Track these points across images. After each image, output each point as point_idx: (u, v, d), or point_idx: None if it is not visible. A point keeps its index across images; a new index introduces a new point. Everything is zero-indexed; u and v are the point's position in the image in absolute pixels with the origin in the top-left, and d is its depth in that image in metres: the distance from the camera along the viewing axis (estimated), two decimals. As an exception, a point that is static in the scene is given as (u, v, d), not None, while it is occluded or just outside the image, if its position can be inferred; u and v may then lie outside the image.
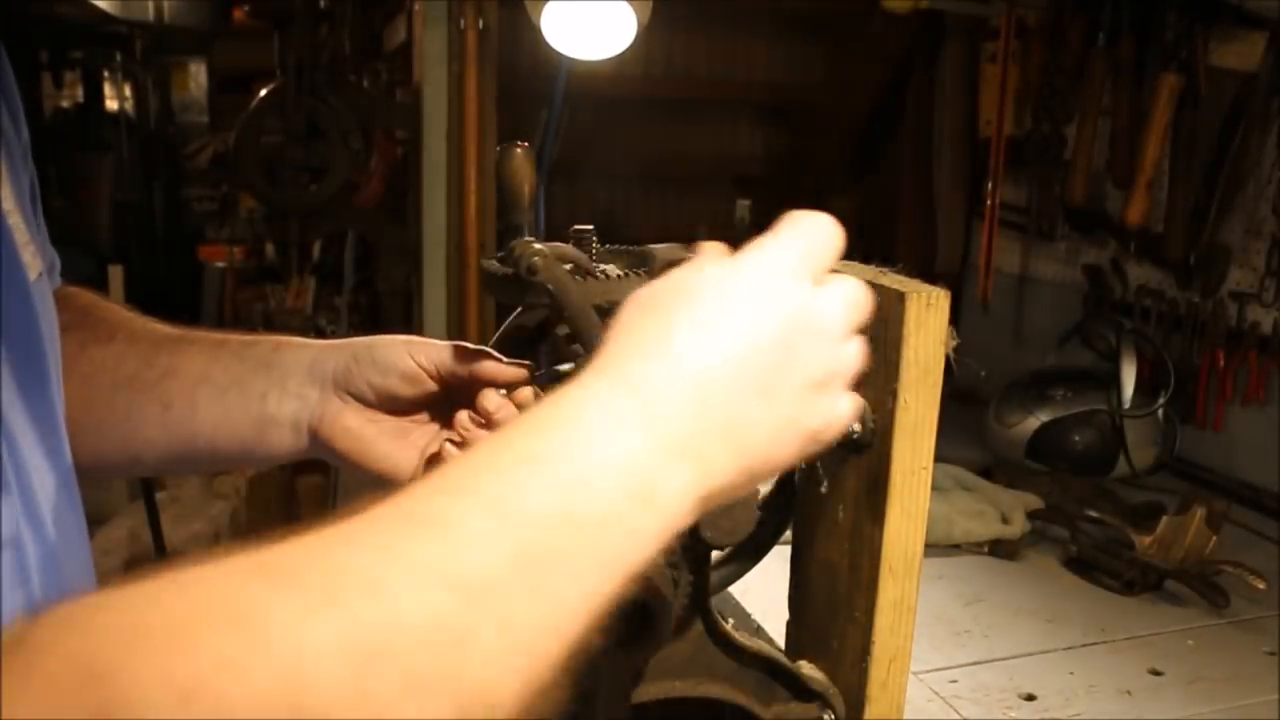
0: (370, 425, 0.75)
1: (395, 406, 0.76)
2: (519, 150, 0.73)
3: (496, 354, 0.74)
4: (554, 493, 0.42)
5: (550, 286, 0.67)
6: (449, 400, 0.76)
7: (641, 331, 0.51)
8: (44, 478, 0.58)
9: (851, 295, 0.57)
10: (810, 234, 0.58)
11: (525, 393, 0.74)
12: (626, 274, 0.73)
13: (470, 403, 0.74)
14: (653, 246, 0.73)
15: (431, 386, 0.75)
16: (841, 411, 0.56)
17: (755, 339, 0.51)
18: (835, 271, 0.59)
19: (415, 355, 0.74)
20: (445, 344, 0.75)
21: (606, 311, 0.72)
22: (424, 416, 0.77)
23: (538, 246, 0.69)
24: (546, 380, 0.76)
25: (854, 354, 0.57)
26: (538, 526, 0.41)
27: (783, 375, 0.52)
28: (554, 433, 0.45)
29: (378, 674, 0.35)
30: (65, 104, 6.26)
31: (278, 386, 0.74)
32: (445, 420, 0.77)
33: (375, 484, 0.75)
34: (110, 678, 0.32)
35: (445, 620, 0.37)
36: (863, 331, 0.60)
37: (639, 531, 0.44)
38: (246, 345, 0.78)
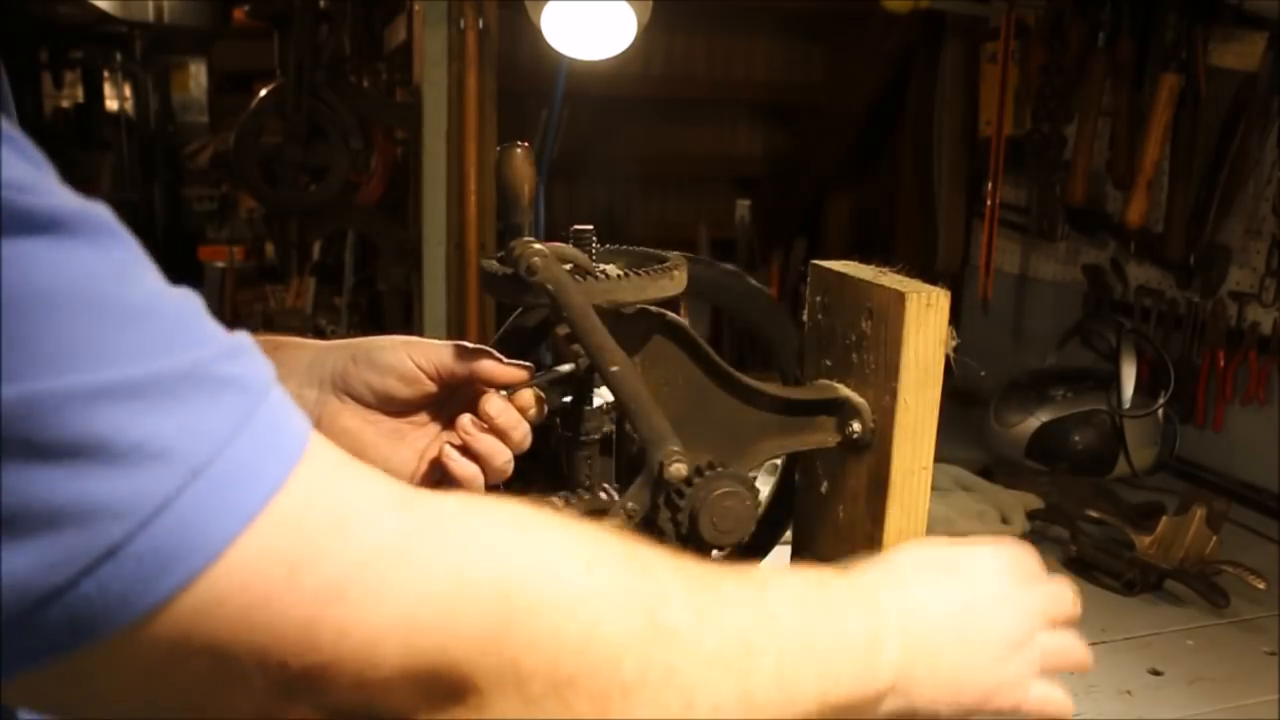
0: (369, 426, 0.75)
1: (394, 408, 0.75)
2: (519, 150, 0.73)
3: (496, 353, 0.74)
4: (824, 614, 0.57)
5: (550, 286, 0.67)
6: (449, 402, 0.76)
7: (900, 573, 0.64)
8: None
9: (1057, 592, 0.70)
10: (1022, 554, 0.71)
11: (526, 395, 0.74)
12: (626, 274, 0.73)
13: (471, 405, 0.74)
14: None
15: (430, 388, 0.75)
16: (1033, 690, 0.66)
17: (968, 598, 0.64)
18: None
19: (414, 356, 0.74)
20: (444, 344, 0.75)
21: (606, 312, 0.72)
22: (423, 418, 0.77)
23: (537, 246, 0.69)
24: (546, 380, 0.76)
25: (1052, 642, 0.67)
26: (813, 619, 0.56)
27: (984, 626, 0.64)
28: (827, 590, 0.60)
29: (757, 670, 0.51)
30: (65, 104, 6.26)
31: None
32: (445, 422, 0.77)
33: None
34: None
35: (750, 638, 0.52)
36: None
37: (859, 664, 0.57)
38: None
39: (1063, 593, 0.69)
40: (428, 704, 0.42)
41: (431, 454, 0.76)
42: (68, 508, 0.34)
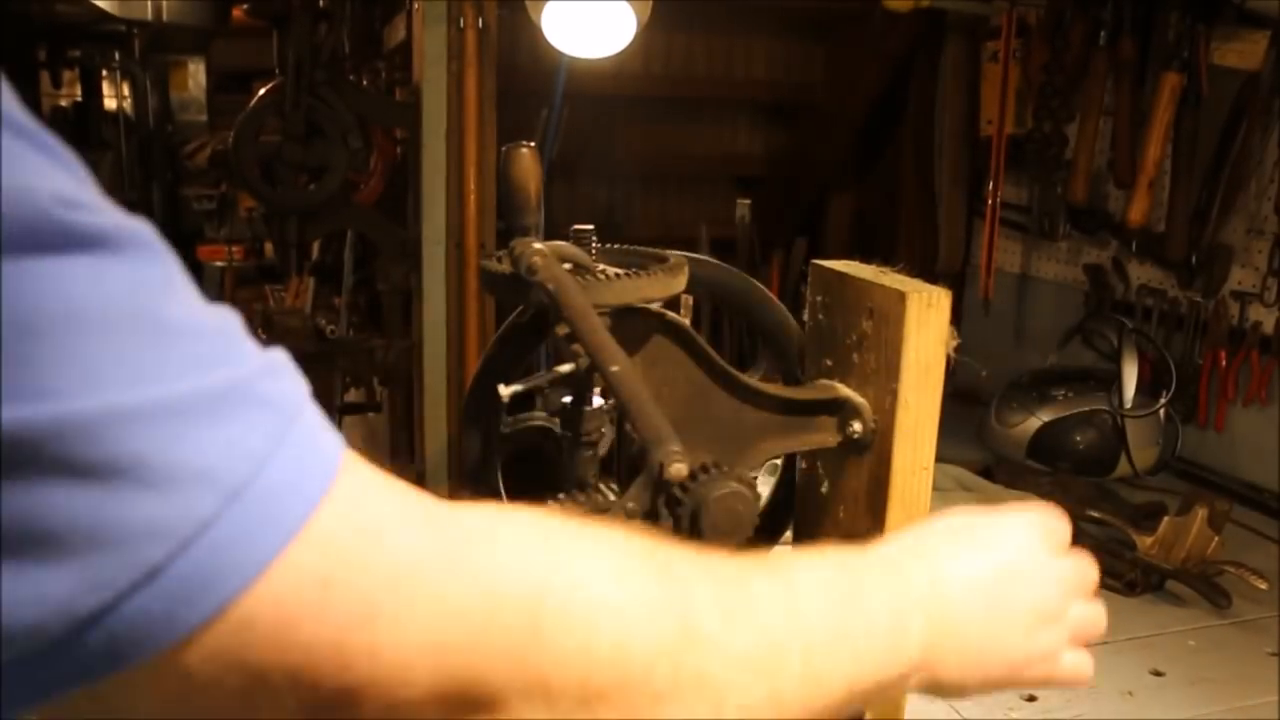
0: None
1: None
2: (526, 150, 0.72)
3: None
4: (851, 594, 0.57)
5: (550, 286, 0.67)
6: None
7: (925, 542, 0.64)
8: None
9: (1083, 565, 0.68)
10: (1049, 520, 0.68)
11: None
12: (627, 274, 0.72)
13: None
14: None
15: None
16: (1064, 659, 0.65)
17: (995, 566, 0.63)
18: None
19: None
20: None
21: (606, 312, 0.72)
22: None
23: (538, 246, 0.69)
24: (546, 380, 0.75)
25: (1082, 612, 0.67)
26: (839, 606, 0.56)
27: (1012, 598, 0.63)
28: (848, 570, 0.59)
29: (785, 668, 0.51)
30: (63, 103, 6.25)
31: None
32: None
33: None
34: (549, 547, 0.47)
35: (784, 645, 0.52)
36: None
37: (887, 647, 0.57)
38: None
39: (1089, 562, 0.69)
40: None
41: None
42: (107, 529, 0.34)
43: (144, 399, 0.34)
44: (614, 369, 0.67)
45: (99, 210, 0.36)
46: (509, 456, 0.85)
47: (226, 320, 0.40)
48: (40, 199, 0.34)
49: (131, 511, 0.34)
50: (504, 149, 0.73)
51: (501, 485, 0.85)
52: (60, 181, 0.35)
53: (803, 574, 0.56)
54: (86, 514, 0.33)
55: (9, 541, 0.33)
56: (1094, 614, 0.67)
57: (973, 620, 0.61)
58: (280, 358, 0.41)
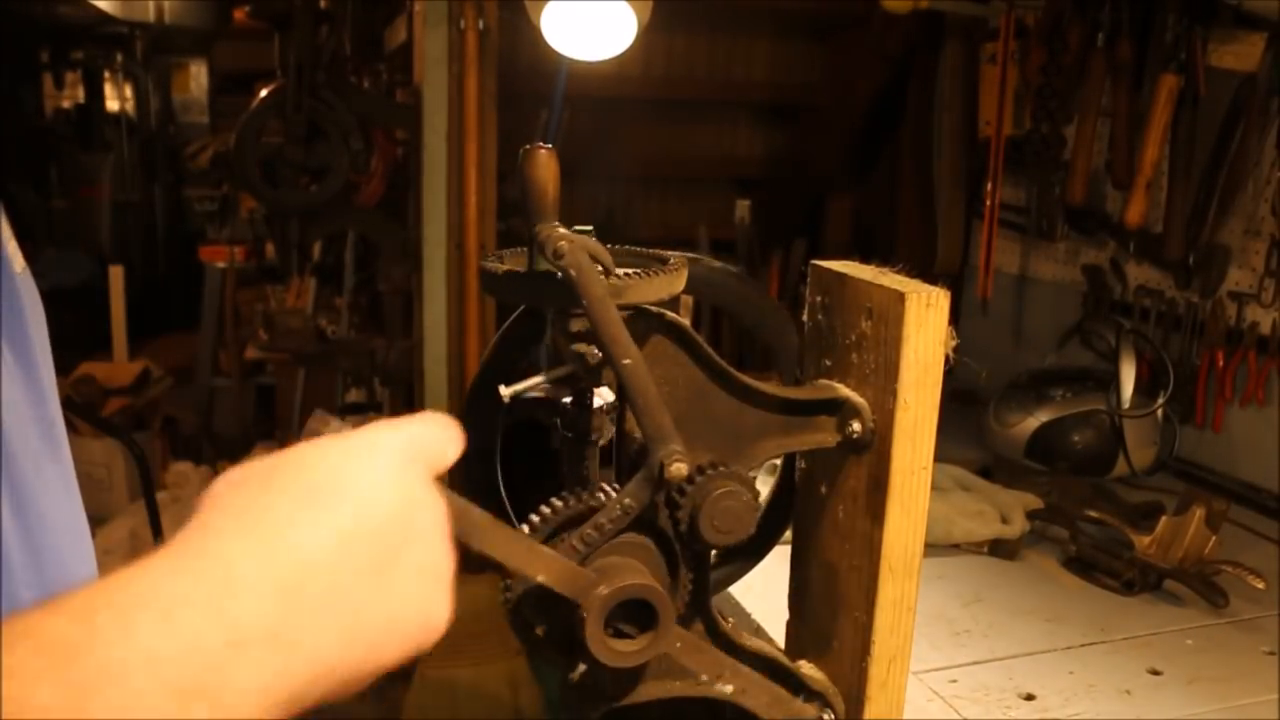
0: None
1: None
2: (544, 151, 0.72)
3: None
4: (67, 691, 0.35)
5: (573, 272, 0.67)
6: None
7: (234, 507, 0.46)
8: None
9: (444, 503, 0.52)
10: (428, 429, 0.53)
11: None
12: (633, 274, 0.73)
13: None
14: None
15: None
16: (440, 611, 0.50)
17: (371, 516, 0.47)
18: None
19: None
20: None
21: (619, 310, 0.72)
22: None
23: (564, 231, 0.69)
24: (546, 380, 0.76)
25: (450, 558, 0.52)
26: None
27: (399, 557, 0.48)
28: (95, 616, 0.38)
29: None
30: (66, 104, 6.27)
31: None
32: None
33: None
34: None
35: None
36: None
37: None
38: None
39: (441, 435, 0.53)
40: None
41: None
42: None
43: None
44: (626, 362, 0.67)
45: None
46: (507, 428, 0.84)
47: None
48: None
49: None
50: (521, 150, 0.73)
51: (503, 488, 0.86)
52: None
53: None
54: None
55: None
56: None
57: (329, 624, 0.44)
58: None
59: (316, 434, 0.52)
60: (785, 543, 0.92)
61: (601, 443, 0.79)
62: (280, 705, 0.42)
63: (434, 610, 0.49)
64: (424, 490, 0.50)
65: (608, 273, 0.71)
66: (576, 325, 0.72)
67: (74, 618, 0.37)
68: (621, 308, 0.72)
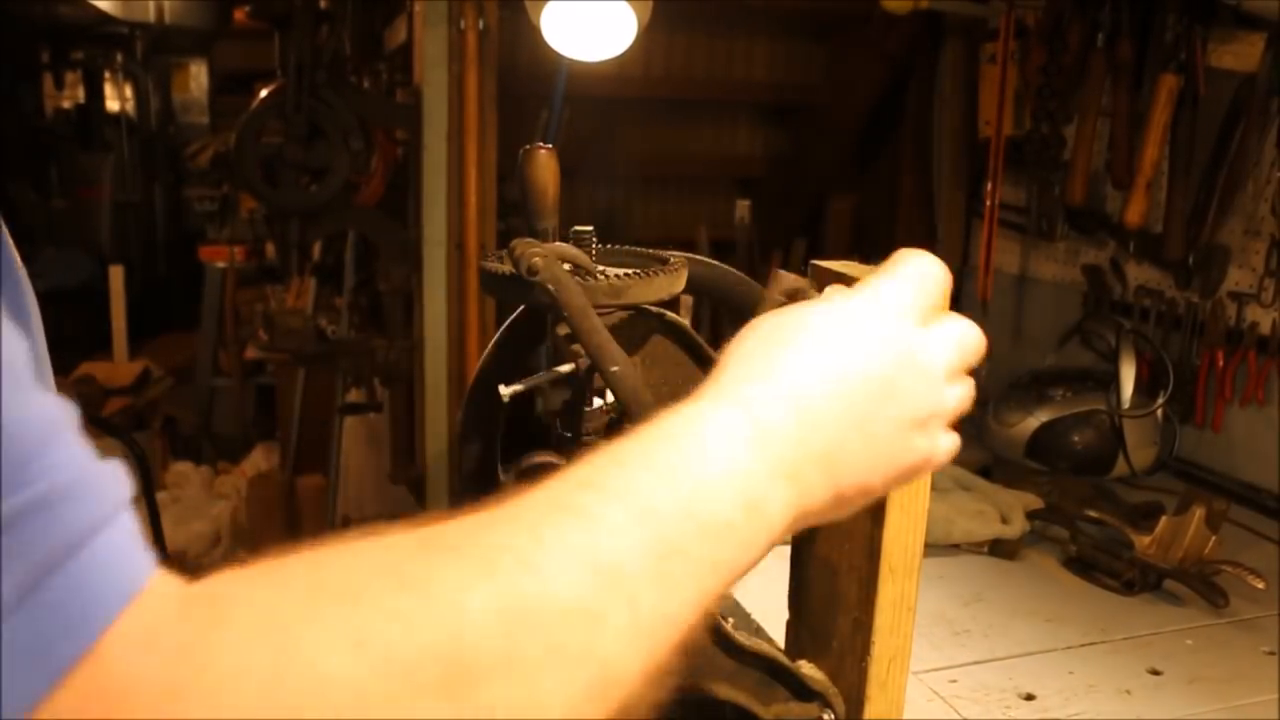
0: None
1: None
2: (544, 151, 0.72)
3: None
4: (677, 496, 0.46)
5: (550, 286, 0.68)
6: None
7: (754, 358, 0.54)
8: None
9: (963, 337, 0.61)
10: (921, 273, 0.60)
11: None
12: (628, 274, 0.73)
13: None
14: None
15: None
16: (941, 450, 0.59)
17: (860, 375, 0.54)
18: (949, 312, 0.62)
19: None
20: None
21: (607, 312, 0.73)
22: None
23: (536, 246, 0.69)
24: (546, 380, 0.76)
25: (959, 395, 0.60)
26: (665, 524, 0.45)
27: (883, 411, 0.55)
28: (671, 444, 0.48)
29: (527, 641, 0.39)
30: (66, 104, 6.27)
31: None
32: None
33: (377, 488, 0.74)
34: (290, 627, 0.36)
35: (586, 599, 0.42)
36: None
37: (747, 541, 0.48)
38: None
39: (968, 328, 0.61)
40: None
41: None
42: None
43: None
44: (614, 369, 0.67)
45: None
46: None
47: (51, 421, 0.36)
48: None
49: None
50: (521, 150, 0.73)
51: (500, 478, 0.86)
52: None
53: (614, 500, 0.45)
54: None
55: None
56: (967, 393, 0.60)
57: (843, 446, 0.53)
58: (89, 469, 0.37)
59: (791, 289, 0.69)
60: (785, 542, 0.92)
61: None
62: (783, 531, 0.50)
63: (914, 458, 0.57)
64: (916, 340, 0.57)
65: (589, 273, 0.71)
66: (565, 329, 0.73)
67: (656, 443, 0.48)
68: (621, 308, 0.72)
